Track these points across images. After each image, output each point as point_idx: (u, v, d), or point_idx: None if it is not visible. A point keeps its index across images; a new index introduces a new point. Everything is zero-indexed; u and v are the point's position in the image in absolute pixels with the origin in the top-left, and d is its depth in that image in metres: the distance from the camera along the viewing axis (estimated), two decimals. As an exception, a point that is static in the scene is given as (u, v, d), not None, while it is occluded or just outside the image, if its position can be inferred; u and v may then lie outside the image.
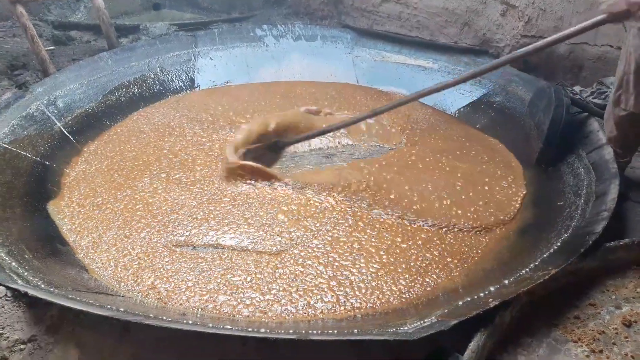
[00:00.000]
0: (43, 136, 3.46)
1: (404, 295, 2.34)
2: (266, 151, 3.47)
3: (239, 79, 4.81)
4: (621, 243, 2.24)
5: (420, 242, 2.66)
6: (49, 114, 3.62)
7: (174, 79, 4.60)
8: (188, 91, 4.59)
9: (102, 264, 2.55)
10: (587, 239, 2.19)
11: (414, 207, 2.90)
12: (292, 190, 3.05)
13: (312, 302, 2.28)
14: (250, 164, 3.13)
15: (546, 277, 2.01)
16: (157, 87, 4.47)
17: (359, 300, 2.30)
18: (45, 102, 3.65)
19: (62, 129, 3.63)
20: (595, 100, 3.55)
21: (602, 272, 2.21)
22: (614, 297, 2.10)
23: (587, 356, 1.85)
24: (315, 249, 2.59)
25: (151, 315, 1.96)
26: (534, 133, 3.22)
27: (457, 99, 4.18)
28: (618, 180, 2.57)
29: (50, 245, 2.64)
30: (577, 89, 3.72)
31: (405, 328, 1.92)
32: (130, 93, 4.29)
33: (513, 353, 1.90)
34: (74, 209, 2.95)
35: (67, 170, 3.33)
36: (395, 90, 4.53)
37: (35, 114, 3.53)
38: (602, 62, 3.68)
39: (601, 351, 1.85)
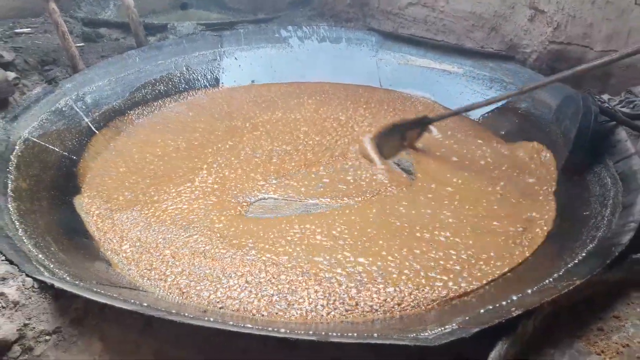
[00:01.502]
0: (71, 131, 3.53)
1: (423, 299, 2.33)
2: (413, 127, 3.63)
3: (263, 79, 4.84)
4: (648, 255, 2.19)
5: (445, 244, 2.66)
6: (77, 110, 3.70)
7: (199, 77, 4.65)
8: (213, 89, 4.64)
9: (126, 259, 2.60)
10: (613, 250, 2.15)
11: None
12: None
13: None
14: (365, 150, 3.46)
15: (570, 287, 1.98)
16: (183, 86, 4.53)
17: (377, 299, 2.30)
18: (74, 97, 3.73)
19: (90, 124, 3.70)
20: (624, 110, 3.49)
21: (627, 284, 2.16)
22: (639, 309, 2.06)
23: (611, 370, 1.81)
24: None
25: (173, 311, 1.99)
26: (561, 141, 3.18)
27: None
28: (646, 191, 2.51)
29: (75, 238, 2.70)
30: (605, 97, 3.66)
31: (426, 334, 1.91)
32: (157, 91, 4.35)
33: (535, 363, 1.87)
34: (99, 204, 3.01)
35: (94, 165, 3.40)
36: (419, 94, 4.51)
37: (64, 109, 3.61)
38: (632, 70, 3.61)
39: (625, 365, 1.82)
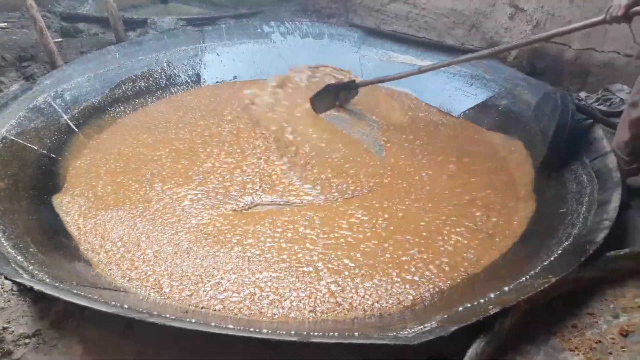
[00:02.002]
0: (50, 129, 3.48)
1: (404, 298, 2.37)
2: (343, 89, 4.22)
3: (246, 75, 4.81)
4: (621, 253, 2.24)
5: (422, 242, 2.69)
6: (56, 107, 3.65)
7: (180, 74, 4.61)
8: (195, 86, 4.60)
9: (107, 259, 2.58)
10: (588, 249, 2.20)
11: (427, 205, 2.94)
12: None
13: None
14: None
15: (546, 285, 2.03)
16: (164, 82, 4.48)
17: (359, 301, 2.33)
18: (52, 94, 3.68)
19: (69, 121, 3.65)
20: (601, 107, 3.56)
21: (601, 281, 2.22)
22: (612, 306, 2.11)
23: (584, 365, 1.87)
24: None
25: (154, 313, 2.00)
26: (539, 138, 3.23)
27: (463, 100, 4.18)
28: (620, 189, 2.57)
29: (55, 239, 2.68)
30: (582, 95, 3.73)
31: (406, 332, 1.94)
32: (137, 87, 4.30)
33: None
34: (79, 203, 2.98)
35: (73, 164, 3.36)
36: (401, 90, 4.52)
37: (42, 106, 3.56)
38: (609, 69, 3.68)
39: (598, 360, 1.87)
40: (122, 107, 4.05)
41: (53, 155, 3.33)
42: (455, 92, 4.26)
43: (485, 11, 4.26)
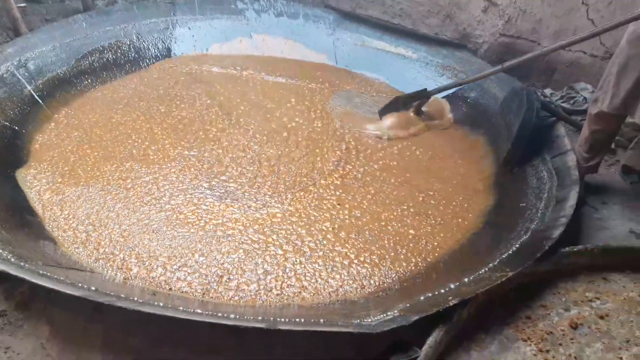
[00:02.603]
0: (13, 100, 3.37)
1: (367, 284, 2.44)
2: (415, 100, 3.92)
3: (217, 51, 4.74)
4: (575, 249, 2.37)
5: (383, 230, 2.76)
6: (20, 77, 3.52)
7: (150, 47, 4.49)
8: (164, 60, 4.50)
9: (73, 237, 2.56)
10: (544, 244, 2.32)
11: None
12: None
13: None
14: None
15: (503, 279, 2.13)
16: (133, 55, 4.37)
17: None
18: (15, 63, 3.55)
19: (33, 92, 3.54)
20: (565, 105, 3.69)
21: (555, 275, 2.34)
22: (564, 299, 2.24)
23: (535, 355, 1.98)
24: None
25: (122, 296, 2.00)
26: (504, 133, 3.33)
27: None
28: (578, 187, 2.69)
29: (19, 215, 2.62)
30: (547, 92, 3.85)
31: (369, 320, 2.02)
32: (105, 59, 4.18)
33: (467, 348, 2.01)
34: (43, 178, 2.92)
35: (37, 137, 3.28)
36: (374, 77, 4.56)
37: (4, 75, 3.44)
38: (575, 68, 3.80)
39: (548, 351, 1.99)
40: (89, 80, 3.94)
41: (16, 128, 3.23)
42: (427, 81, 4.31)
43: (459, 2, 4.31)
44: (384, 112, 3.89)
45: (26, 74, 3.57)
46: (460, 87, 3.92)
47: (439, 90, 3.87)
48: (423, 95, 3.88)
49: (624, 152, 3.32)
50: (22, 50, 3.65)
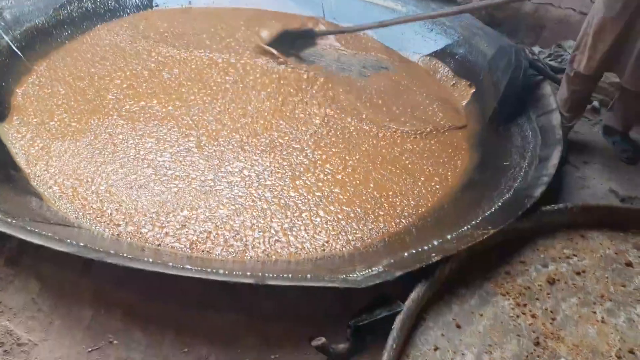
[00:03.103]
0: (-11, 51, 3.26)
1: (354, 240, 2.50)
2: (301, 37, 4.14)
3: (200, 2, 4.60)
4: (555, 208, 2.44)
5: (370, 186, 2.79)
6: (-4, 27, 3.40)
7: (130, -6, 4.35)
8: (146, 10, 4.37)
9: (59, 192, 2.54)
10: (526, 202, 2.38)
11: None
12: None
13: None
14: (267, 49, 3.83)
15: (485, 236, 2.20)
16: (112, 4, 4.23)
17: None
18: (-9, 12, 3.42)
19: (10, 43, 3.41)
20: (552, 63, 3.69)
21: (535, 233, 2.42)
22: (542, 256, 2.32)
23: (513, 309, 2.07)
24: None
25: (112, 252, 2.02)
26: (491, 91, 3.33)
27: (422, 46, 4.20)
28: (561, 146, 2.74)
29: (3, 171, 2.59)
30: (536, 49, 3.83)
31: (355, 275, 2.07)
32: (83, 8, 4.03)
33: (448, 302, 2.10)
34: (26, 132, 2.87)
35: (17, 90, 3.19)
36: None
37: (-20, 25, 3.31)
38: (564, 25, 3.78)
39: (525, 305, 2.08)
40: (68, 30, 3.81)
41: (-6, 80, 3.14)
42: (415, 36, 4.26)
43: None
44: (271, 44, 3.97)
45: (2, 23, 3.44)
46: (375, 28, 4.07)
47: (329, 32, 4.15)
48: (309, 35, 4.10)
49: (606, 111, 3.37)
50: (-4, -2, 3.51)
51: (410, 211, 2.70)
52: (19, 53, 3.40)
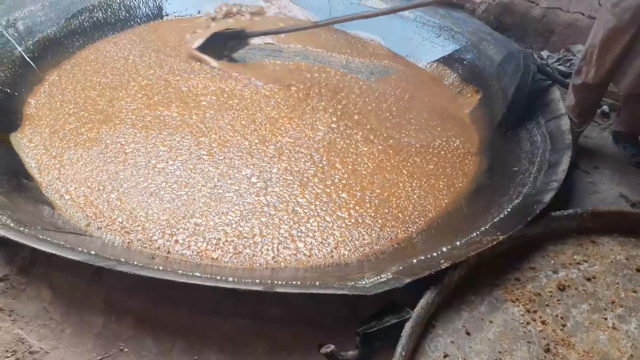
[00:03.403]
0: (3, 61, 3.31)
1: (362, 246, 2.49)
2: (232, 38, 4.00)
3: (211, 10, 4.63)
4: (565, 213, 2.42)
5: (378, 192, 2.79)
6: (9, 37, 3.45)
7: (141, 5, 4.40)
8: (156, 20, 4.42)
9: (70, 201, 2.57)
10: (535, 208, 2.36)
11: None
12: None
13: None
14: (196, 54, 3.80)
15: (494, 242, 2.19)
16: (123, 14, 4.28)
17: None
18: (4, 23, 3.46)
19: (23, 54, 3.47)
20: (561, 67, 3.67)
21: (544, 238, 2.40)
22: (552, 262, 2.31)
23: (522, 315, 2.06)
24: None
25: (122, 260, 2.05)
26: (499, 96, 3.32)
27: (430, 51, 4.20)
28: (571, 151, 2.72)
29: (15, 179, 2.63)
30: (544, 54, 3.82)
31: (363, 282, 2.08)
32: (95, 18, 4.08)
33: (457, 309, 2.09)
34: (38, 141, 2.92)
35: (30, 100, 3.24)
36: (370, 37, 4.50)
37: (-6, 36, 3.37)
38: (572, 29, 3.77)
39: (535, 311, 2.07)
40: (80, 40, 3.87)
41: (8, 90, 3.18)
42: (423, 41, 4.27)
43: (458, -40, 4.22)
44: (203, 48, 3.91)
45: (15, 34, 3.50)
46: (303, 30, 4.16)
47: (263, 33, 4.05)
48: (242, 36, 3.97)
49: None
50: (10, 9, 3.56)
51: (419, 217, 2.70)
52: (32, 63, 3.46)
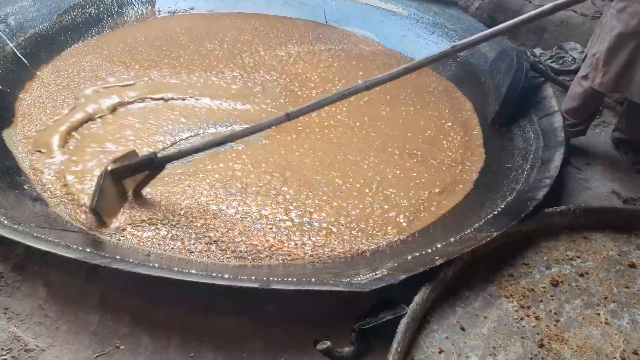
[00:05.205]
0: (-6, 57, 3.29)
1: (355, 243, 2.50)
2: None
3: (203, 7, 4.62)
4: (558, 210, 2.45)
5: (372, 188, 2.81)
6: (0, 33, 3.42)
7: (133, 1, 4.37)
8: (150, 16, 4.39)
9: (66, 198, 2.56)
10: (528, 205, 2.39)
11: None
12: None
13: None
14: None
15: (488, 239, 2.21)
16: (116, 10, 4.25)
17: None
18: (-5, 19, 3.44)
19: (15, 50, 3.44)
20: (553, 65, 3.70)
21: (537, 234, 2.43)
22: (545, 258, 2.33)
23: (516, 311, 2.08)
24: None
25: (117, 257, 2.04)
26: (493, 93, 3.34)
27: (423, 48, 4.20)
28: (563, 148, 2.74)
29: (8, 176, 2.61)
30: (537, 51, 3.84)
31: (359, 279, 2.09)
32: (87, 14, 4.05)
33: (452, 305, 2.10)
34: (30, 138, 2.89)
35: (22, 96, 3.21)
36: (363, 34, 4.49)
37: (-15, 32, 3.34)
38: (565, 27, 3.79)
39: (529, 307, 2.09)
40: (72, 36, 3.83)
41: (0, 87, 3.16)
42: (417, 39, 4.27)
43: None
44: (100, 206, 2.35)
45: (7, 30, 3.47)
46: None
47: (176, 156, 2.53)
48: (153, 166, 2.49)
49: (609, 113, 3.38)
50: (1, 4, 3.54)
51: (414, 214, 2.71)
52: (24, 59, 3.43)
